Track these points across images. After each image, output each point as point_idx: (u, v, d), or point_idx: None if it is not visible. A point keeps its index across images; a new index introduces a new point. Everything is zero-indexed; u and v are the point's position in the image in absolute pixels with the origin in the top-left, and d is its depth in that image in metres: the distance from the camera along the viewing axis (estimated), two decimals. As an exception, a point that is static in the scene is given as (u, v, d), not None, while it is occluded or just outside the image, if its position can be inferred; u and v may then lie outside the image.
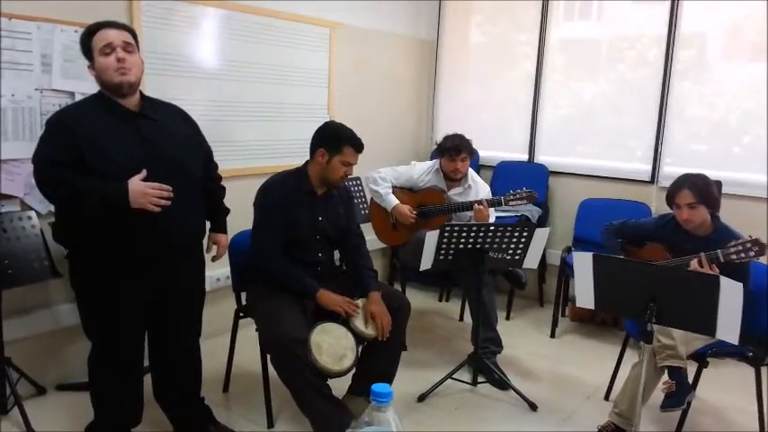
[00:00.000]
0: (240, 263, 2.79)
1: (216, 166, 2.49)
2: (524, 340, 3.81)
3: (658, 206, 4.01)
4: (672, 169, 4.01)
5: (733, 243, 2.53)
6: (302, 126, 3.88)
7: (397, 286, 3.82)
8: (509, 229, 2.90)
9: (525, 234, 2.90)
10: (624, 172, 4.21)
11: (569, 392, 3.16)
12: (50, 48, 2.72)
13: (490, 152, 4.61)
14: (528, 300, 4.48)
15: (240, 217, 2.67)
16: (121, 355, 2.27)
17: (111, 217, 2.06)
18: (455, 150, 3.43)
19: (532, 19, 4.48)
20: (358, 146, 2.62)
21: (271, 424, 2.71)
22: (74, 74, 2.76)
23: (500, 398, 3.06)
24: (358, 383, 2.68)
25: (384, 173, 3.60)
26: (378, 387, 0.96)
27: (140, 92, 2.18)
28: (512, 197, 3.32)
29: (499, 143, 4.65)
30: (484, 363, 3.15)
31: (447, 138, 3.51)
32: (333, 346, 2.45)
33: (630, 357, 3.08)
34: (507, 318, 4.16)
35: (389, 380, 2.70)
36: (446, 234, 2.84)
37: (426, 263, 2.91)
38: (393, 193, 3.55)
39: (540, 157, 4.56)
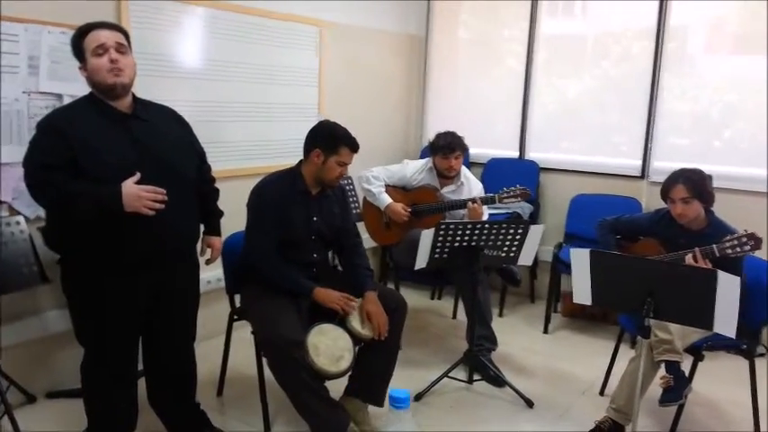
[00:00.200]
0: (233, 265, 2.76)
1: (209, 168, 2.46)
2: (517, 337, 3.82)
3: (648, 201, 4.04)
4: (661, 164, 4.05)
5: (728, 237, 2.55)
6: (293, 126, 3.87)
7: (390, 285, 3.81)
8: (504, 226, 2.89)
9: (520, 231, 2.90)
10: (614, 167, 4.24)
11: (564, 388, 3.17)
12: (38, 49, 2.67)
13: (480, 149, 4.60)
14: (519, 296, 4.49)
15: (232, 218, 2.64)
16: (115, 360, 2.23)
17: (104, 221, 2.02)
18: (448, 148, 3.43)
19: (522, 15, 4.48)
20: (354, 146, 2.60)
21: (267, 427, 2.68)
22: (61, 76, 2.72)
23: (496, 395, 3.06)
24: (355, 384, 2.66)
25: (377, 172, 3.58)
26: (396, 393, 0.95)
27: (132, 94, 2.14)
28: (505, 194, 3.31)
29: (489, 140, 4.65)
30: (480, 360, 3.15)
31: (439, 135, 3.51)
32: (330, 348, 2.43)
33: (624, 352, 3.10)
34: (500, 315, 4.16)
35: (386, 380, 2.69)
36: (441, 232, 2.83)
37: (421, 261, 2.90)
38: (386, 191, 3.54)
39: (531, 154, 4.57)
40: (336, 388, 2.56)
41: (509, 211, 4.08)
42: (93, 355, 2.24)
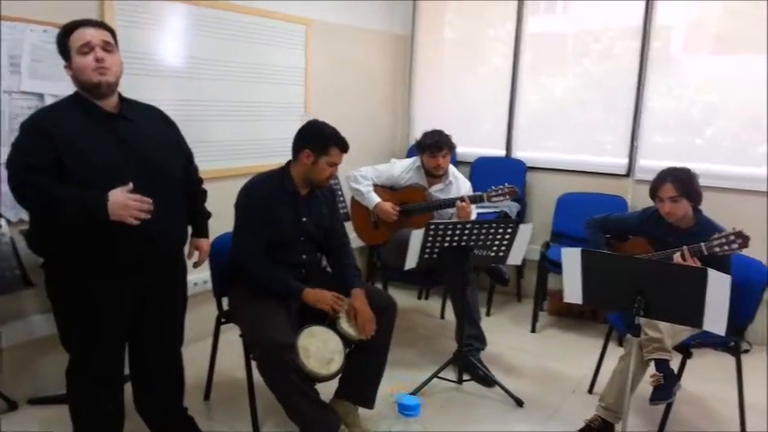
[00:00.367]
0: (221, 267, 2.72)
1: (196, 169, 2.42)
2: (505, 336, 3.82)
3: (634, 199, 4.07)
4: (646, 162, 4.07)
5: (716, 236, 2.57)
6: (280, 125, 3.84)
7: (378, 285, 3.78)
8: (493, 226, 2.89)
9: (509, 231, 2.90)
10: (600, 166, 4.26)
11: (553, 387, 3.18)
12: (19, 48, 2.60)
13: (467, 148, 4.60)
14: (506, 295, 4.50)
15: (218, 219, 2.59)
16: (101, 365, 2.18)
17: (89, 223, 1.98)
18: (436, 147, 3.42)
19: (507, 14, 4.49)
20: (344, 146, 2.58)
21: (256, 431, 2.65)
22: (42, 74, 2.65)
23: (486, 395, 3.06)
24: (345, 386, 2.64)
25: (365, 171, 3.57)
26: (406, 400, 0.93)
27: (119, 93, 2.10)
28: (494, 193, 3.31)
29: (475, 139, 4.64)
30: (469, 360, 3.14)
31: (427, 134, 3.50)
32: (320, 350, 2.40)
33: (612, 350, 3.12)
34: (488, 314, 4.16)
35: (377, 382, 2.68)
36: (431, 232, 2.82)
37: (411, 262, 2.88)
38: (374, 191, 3.52)
39: (517, 153, 4.58)
40: (326, 390, 2.54)
41: (496, 210, 4.08)
42: (79, 359, 2.19)
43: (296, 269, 2.64)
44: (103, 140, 2.02)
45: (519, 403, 2.95)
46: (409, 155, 4.70)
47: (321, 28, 4.08)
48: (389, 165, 3.65)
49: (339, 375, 2.47)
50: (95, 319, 2.10)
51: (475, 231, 2.87)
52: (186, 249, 2.40)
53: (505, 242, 2.94)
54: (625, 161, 4.18)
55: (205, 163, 2.97)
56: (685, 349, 2.58)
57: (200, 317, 3.00)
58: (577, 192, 4.25)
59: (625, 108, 4.14)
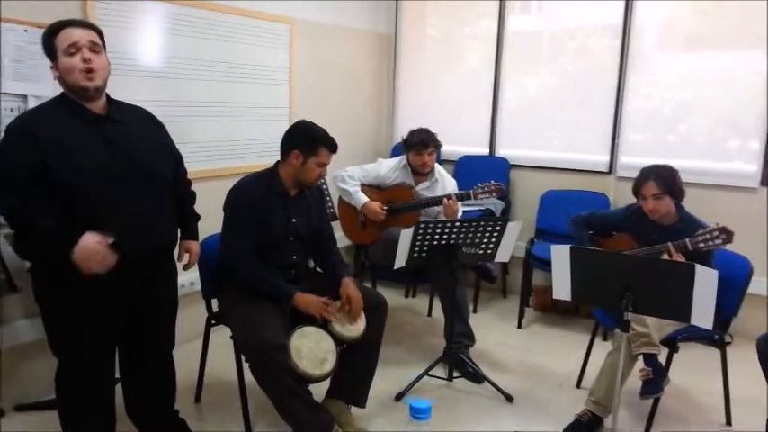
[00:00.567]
0: (210, 269, 2.70)
1: (185, 171, 2.40)
2: (492, 332, 3.85)
3: (616, 196, 4.13)
4: (627, 159, 4.13)
5: (701, 231, 2.62)
6: (264, 125, 3.82)
7: (366, 284, 3.78)
8: (482, 224, 2.91)
9: (497, 229, 2.92)
10: (582, 163, 4.30)
11: (541, 382, 3.22)
12: (-1, 49, 2.56)
13: (450, 147, 4.61)
14: (492, 292, 4.53)
15: (204, 221, 2.56)
16: (91, 368, 2.15)
17: (78, 226, 1.95)
18: (422, 144, 3.44)
19: (490, 13, 4.51)
20: (333, 146, 2.58)
21: (249, 432, 2.64)
22: (24, 75, 2.61)
23: (476, 391, 3.09)
24: (337, 386, 2.64)
25: (351, 171, 3.57)
26: (417, 403, 0.94)
27: (106, 94, 2.07)
28: (480, 190, 3.34)
29: (459, 137, 4.66)
30: (459, 357, 3.17)
31: (413, 132, 3.51)
32: (312, 351, 2.40)
33: (598, 345, 3.16)
34: (474, 311, 4.18)
35: (369, 381, 2.69)
36: (420, 231, 2.83)
37: (401, 261, 2.89)
38: (361, 191, 3.52)
39: (501, 151, 4.61)
40: (317, 390, 2.53)
41: (481, 208, 4.12)
42: (68, 364, 2.15)
43: (286, 270, 2.64)
44: (91, 142, 2.00)
45: (509, 399, 2.98)
46: (394, 154, 4.71)
47: (305, 27, 4.07)
48: (376, 164, 3.66)
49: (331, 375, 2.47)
50: (84, 322, 2.07)
51: (463, 230, 2.89)
52: (176, 252, 2.38)
53: (493, 240, 2.96)
54: (606, 158, 4.23)
55: (189, 164, 2.95)
56: (672, 343, 2.62)
57: (188, 318, 2.97)
58: (560, 189, 4.30)
59: (605, 106, 4.19)
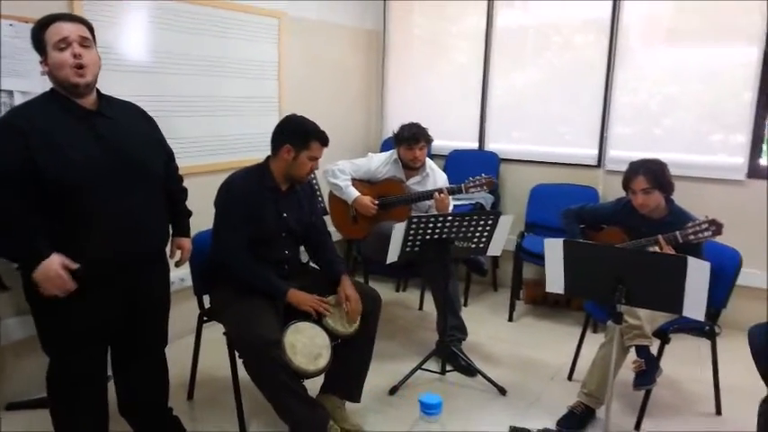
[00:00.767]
0: (201, 265, 2.68)
1: (177, 167, 2.38)
2: (484, 325, 3.87)
3: (605, 189, 4.16)
4: (616, 153, 4.16)
5: (690, 224, 2.64)
6: (255, 120, 3.79)
7: (358, 279, 3.78)
8: (474, 217, 2.92)
9: (490, 222, 2.93)
10: (571, 157, 4.32)
11: (533, 374, 3.24)
12: (-17, 44, 2.51)
13: (440, 141, 4.59)
14: (483, 285, 4.55)
15: (195, 216, 2.53)
16: (84, 368, 2.13)
17: (68, 224, 1.94)
18: (413, 139, 3.44)
19: (478, 7, 4.52)
20: (324, 140, 2.56)
21: (243, 430, 2.63)
22: (10, 71, 2.56)
23: (469, 384, 3.10)
24: (331, 381, 2.64)
25: (342, 165, 3.56)
26: (427, 399, 0.93)
27: (97, 89, 2.04)
28: (471, 184, 3.34)
29: (448, 132, 4.66)
30: (451, 351, 3.18)
31: (404, 127, 3.51)
32: (307, 346, 2.40)
33: (589, 337, 3.19)
34: (465, 304, 4.20)
35: (363, 376, 2.69)
36: (413, 226, 2.83)
37: (393, 255, 2.89)
38: (352, 185, 3.51)
39: (490, 145, 4.62)
40: (311, 386, 2.53)
41: (471, 202, 4.12)
42: (60, 362, 2.13)
43: (279, 265, 2.62)
44: (82, 138, 1.97)
45: (502, 392, 3.00)
46: (384, 149, 4.71)
47: (293, 22, 4.04)
48: (367, 159, 3.65)
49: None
50: (76, 320, 2.04)
51: (456, 224, 2.89)
52: (168, 249, 2.36)
53: (486, 234, 2.97)
54: (595, 152, 4.25)
55: (178, 160, 2.92)
56: (663, 334, 2.65)
57: (179, 315, 2.95)
58: (550, 183, 4.32)
59: (594, 100, 4.21)
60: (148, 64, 3.20)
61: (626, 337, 2.56)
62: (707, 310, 2.18)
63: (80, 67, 1.91)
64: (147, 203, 2.12)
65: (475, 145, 4.66)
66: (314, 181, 3.76)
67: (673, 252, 2.62)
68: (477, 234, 2.96)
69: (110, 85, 2.14)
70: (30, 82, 2.53)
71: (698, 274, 2.10)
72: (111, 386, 2.30)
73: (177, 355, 2.87)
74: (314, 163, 2.59)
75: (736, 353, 2.87)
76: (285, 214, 2.61)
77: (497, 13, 4.49)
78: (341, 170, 3.54)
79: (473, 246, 3.01)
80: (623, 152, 4.07)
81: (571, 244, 2.35)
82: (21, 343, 2.69)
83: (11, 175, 1.87)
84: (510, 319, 4.03)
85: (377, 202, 3.48)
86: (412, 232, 2.85)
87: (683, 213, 2.82)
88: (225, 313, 2.55)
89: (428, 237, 2.89)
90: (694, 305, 2.14)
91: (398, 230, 2.83)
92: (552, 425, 2.70)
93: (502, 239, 3.02)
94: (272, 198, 2.59)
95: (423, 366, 3.12)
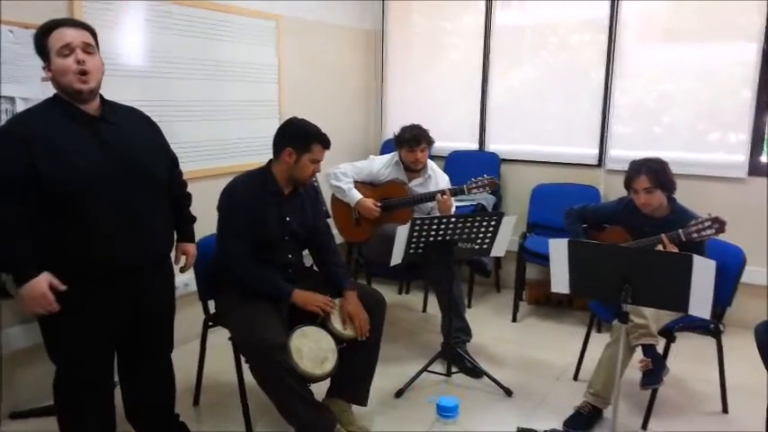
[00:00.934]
0: (205, 270, 2.67)
1: (181, 173, 2.38)
2: (488, 327, 3.86)
3: (606, 189, 4.16)
4: (616, 152, 4.16)
5: (693, 222, 2.64)
6: (255, 124, 3.78)
7: (361, 281, 3.77)
8: (478, 218, 2.91)
9: (493, 223, 2.93)
10: (572, 156, 4.32)
11: (539, 375, 3.23)
12: (-16, 51, 2.50)
13: (440, 142, 4.56)
14: (486, 286, 4.55)
15: (197, 221, 2.51)
16: (90, 374, 2.12)
17: (72, 229, 1.94)
18: (414, 141, 3.44)
19: (478, 7, 4.52)
20: (326, 142, 2.56)
21: (250, 434, 2.62)
22: (11, 77, 2.55)
23: (475, 386, 3.09)
24: (338, 385, 2.63)
25: (344, 168, 3.56)
26: (444, 401, 0.92)
27: (100, 95, 2.03)
28: (473, 185, 3.34)
29: (449, 133, 4.64)
30: (457, 352, 3.17)
31: (405, 129, 3.51)
32: (313, 350, 2.39)
33: (593, 337, 3.18)
34: (468, 306, 4.19)
35: (369, 379, 2.68)
36: (417, 228, 2.83)
37: (397, 257, 2.89)
38: (354, 188, 3.51)
39: (490, 146, 4.62)
40: (318, 390, 2.52)
41: (473, 203, 4.12)
42: (67, 369, 2.12)
43: (283, 269, 2.62)
44: (86, 144, 1.97)
45: (508, 393, 2.99)
46: (384, 150, 4.71)
47: (291, 24, 4.04)
48: (368, 161, 3.65)
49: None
50: (82, 327, 2.04)
51: (459, 225, 2.89)
52: (172, 254, 2.35)
53: (489, 235, 2.96)
54: (596, 151, 4.25)
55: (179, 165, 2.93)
56: (669, 333, 2.65)
57: (184, 320, 2.94)
58: (551, 182, 4.32)
59: (593, 99, 4.21)
60: (147, 69, 3.19)
61: (632, 337, 2.55)
62: (712, 308, 2.18)
63: (83, 73, 1.91)
64: (151, 209, 2.11)
65: (474, 146, 4.66)
66: (316, 184, 3.78)
67: (677, 251, 2.62)
68: (481, 235, 2.96)
69: (111, 91, 2.13)
70: (31, 88, 2.52)
71: (703, 272, 2.09)
72: (117, 392, 2.30)
73: (182, 360, 2.86)
74: (316, 165, 2.58)
75: (741, 351, 2.87)
76: (288, 218, 2.61)
77: (497, 12, 4.49)
78: (343, 173, 3.54)
79: (477, 247, 3.01)
80: (623, 151, 4.07)
81: (576, 244, 2.34)
82: (24, 351, 2.68)
83: (11, 184, 1.86)
84: (514, 320, 4.02)
85: (380, 204, 3.47)
86: (416, 234, 2.85)
87: (686, 212, 2.82)
88: (230, 318, 2.54)
89: (432, 238, 2.89)
90: (700, 303, 2.14)
91: (402, 232, 2.83)
92: (559, 425, 2.70)
93: (505, 240, 3.02)
94: (275, 202, 2.58)
95: (428, 368, 3.11)
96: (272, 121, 3.78)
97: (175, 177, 2.33)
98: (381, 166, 3.59)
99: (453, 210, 3.43)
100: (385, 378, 3.00)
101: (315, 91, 4.32)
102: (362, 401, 2.66)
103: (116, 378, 2.27)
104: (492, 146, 4.62)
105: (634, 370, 2.69)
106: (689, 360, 3.16)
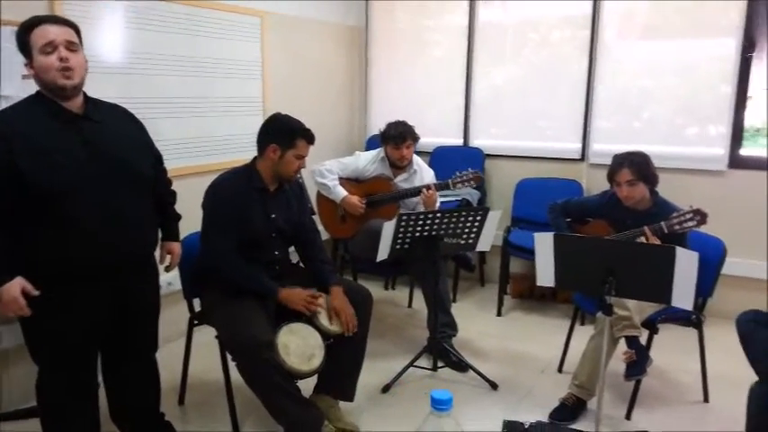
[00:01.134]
0: (190, 268, 2.66)
1: (165, 171, 2.36)
2: (473, 321, 3.88)
3: (589, 183, 4.20)
4: (599, 146, 4.20)
5: (675, 214, 2.68)
6: (239, 120, 3.76)
7: (347, 277, 3.78)
8: (463, 214, 2.93)
9: (479, 218, 2.94)
10: (555, 151, 4.35)
11: (524, 368, 3.26)
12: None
13: (424, 138, 4.56)
14: (470, 281, 4.57)
15: (182, 219, 2.49)
16: (74, 375, 2.10)
17: (54, 228, 1.91)
18: (400, 138, 3.44)
19: (460, 3, 4.53)
20: (310, 138, 2.55)
21: (236, 432, 2.62)
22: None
23: (461, 380, 3.11)
24: (325, 381, 2.63)
25: (330, 165, 3.55)
26: (438, 394, 0.93)
27: (84, 93, 2.01)
28: (458, 179, 3.35)
29: (433, 128, 4.65)
30: (443, 347, 3.19)
31: (390, 125, 3.51)
32: (300, 347, 2.39)
33: (576, 330, 3.22)
34: (454, 300, 4.20)
35: (356, 375, 2.69)
36: (402, 223, 2.83)
37: (383, 253, 2.89)
38: (340, 184, 3.51)
39: (474, 141, 4.64)
40: (304, 386, 2.52)
41: (458, 198, 4.14)
42: (49, 370, 2.10)
43: (269, 266, 2.61)
44: (68, 142, 1.94)
45: (494, 386, 3.02)
46: (369, 146, 4.71)
47: (275, 20, 4.02)
48: (354, 157, 3.65)
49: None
50: (64, 327, 2.02)
51: (445, 220, 2.90)
52: (157, 253, 2.34)
53: (475, 229, 2.98)
54: (578, 146, 4.29)
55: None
56: (652, 325, 2.68)
57: (168, 319, 2.92)
58: (535, 177, 4.35)
59: (576, 94, 4.24)
60: (131, 65, 3.15)
61: (615, 329, 2.59)
62: (694, 300, 2.22)
63: (67, 69, 1.88)
64: (135, 207, 2.10)
65: (459, 141, 4.68)
66: (301, 180, 3.77)
67: (659, 243, 2.65)
68: (467, 230, 2.98)
69: (93, 88, 2.11)
70: (11, 85, 2.48)
71: (686, 263, 2.13)
72: (101, 392, 2.27)
73: (167, 359, 2.84)
74: (301, 161, 2.57)
75: (721, 341, 2.93)
76: (274, 215, 2.60)
77: (480, 9, 4.51)
78: (328, 170, 3.53)
79: (462, 242, 3.02)
80: (606, 145, 4.12)
81: (561, 238, 2.37)
82: (9, 351, 2.65)
83: None
84: (498, 314, 4.05)
85: (365, 201, 3.47)
86: (402, 230, 2.85)
87: (668, 204, 2.86)
88: (216, 316, 2.53)
89: (418, 234, 2.90)
90: (683, 295, 2.17)
91: (388, 228, 2.83)
92: (545, 417, 2.73)
93: (491, 235, 3.04)
94: (260, 199, 2.57)
95: (414, 363, 3.12)
96: (257, 118, 3.75)
97: (160, 175, 2.30)
98: (367, 162, 3.59)
99: (438, 205, 3.45)
100: (372, 373, 3.00)
101: (299, 87, 4.31)
102: (350, 397, 2.67)
103: (99, 378, 2.25)
104: (476, 141, 4.64)
105: (618, 361, 2.73)
106: (671, 351, 3.21)
